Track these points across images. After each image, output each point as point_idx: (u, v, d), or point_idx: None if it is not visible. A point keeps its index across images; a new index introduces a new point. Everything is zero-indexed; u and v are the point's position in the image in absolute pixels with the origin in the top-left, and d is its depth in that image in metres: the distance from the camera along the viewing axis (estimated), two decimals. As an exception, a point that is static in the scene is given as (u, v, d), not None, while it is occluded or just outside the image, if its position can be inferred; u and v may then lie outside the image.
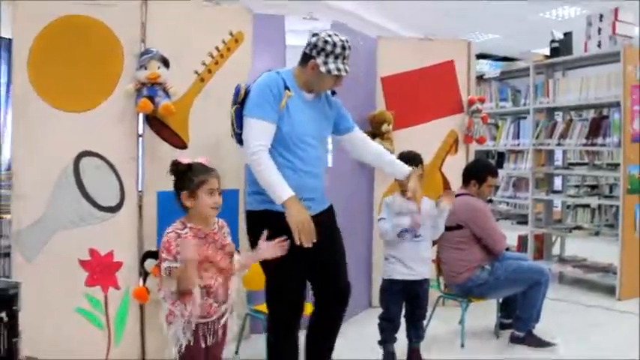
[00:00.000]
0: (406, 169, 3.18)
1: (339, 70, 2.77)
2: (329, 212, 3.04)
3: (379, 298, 3.62)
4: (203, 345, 2.39)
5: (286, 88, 2.81)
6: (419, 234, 3.48)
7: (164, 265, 2.32)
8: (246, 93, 2.85)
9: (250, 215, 2.93)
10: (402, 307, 3.56)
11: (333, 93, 3.02)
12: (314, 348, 3.09)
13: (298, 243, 2.65)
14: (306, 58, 2.84)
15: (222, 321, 2.50)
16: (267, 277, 2.93)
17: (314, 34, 2.83)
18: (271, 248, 2.59)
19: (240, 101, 2.87)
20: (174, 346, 2.37)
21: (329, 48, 2.76)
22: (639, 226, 5.24)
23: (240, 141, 2.88)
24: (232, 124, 2.91)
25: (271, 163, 2.72)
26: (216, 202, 2.42)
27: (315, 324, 3.06)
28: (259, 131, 2.75)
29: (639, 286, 5.26)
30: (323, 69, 2.76)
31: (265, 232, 2.65)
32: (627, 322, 4.61)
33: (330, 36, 2.77)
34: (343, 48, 2.77)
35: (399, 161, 3.21)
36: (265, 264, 2.85)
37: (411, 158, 3.45)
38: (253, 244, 2.85)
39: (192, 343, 2.35)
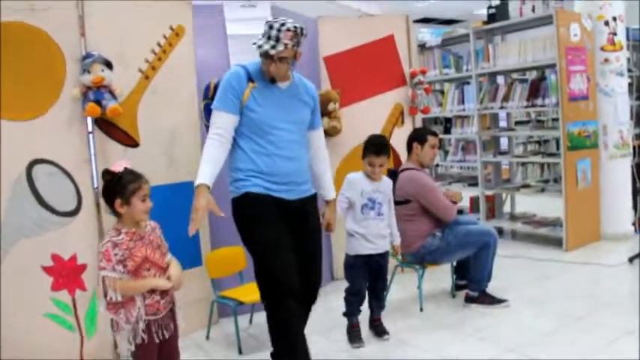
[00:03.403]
0: (329, 197, 3.29)
1: (259, 47, 2.83)
2: (309, 202, 3.10)
3: (344, 273, 3.73)
4: (157, 341, 2.48)
5: (250, 80, 2.92)
6: (382, 212, 3.64)
7: (102, 273, 2.39)
8: (217, 87, 3.02)
9: (233, 202, 3.00)
10: (367, 279, 3.69)
11: (273, 81, 2.95)
12: None
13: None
14: None
15: (173, 315, 2.59)
16: (255, 256, 2.96)
17: None
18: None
19: (210, 96, 3.11)
20: (127, 347, 2.44)
21: (266, 30, 2.85)
22: (581, 180, 5.53)
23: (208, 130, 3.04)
24: (203, 117, 3.21)
25: (213, 151, 2.86)
26: (148, 207, 2.49)
27: None
28: (218, 121, 2.92)
29: (583, 236, 5.60)
30: (257, 50, 2.87)
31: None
32: (572, 271, 4.90)
33: (273, 19, 2.86)
34: (270, 27, 2.82)
35: (329, 184, 3.30)
36: (251, 242, 2.96)
37: (379, 146, 3.59)
38: (240, 230, 2.97)
39: (146, 341, 2.43)
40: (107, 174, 2.50)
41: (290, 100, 3.02)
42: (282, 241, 2.92)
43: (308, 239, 3.09)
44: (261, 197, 2.91)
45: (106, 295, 2.40)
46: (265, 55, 2.86)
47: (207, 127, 3.08)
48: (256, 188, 2.91)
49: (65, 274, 3.38)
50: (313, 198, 3.15)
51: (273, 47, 2.81)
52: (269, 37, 2.82)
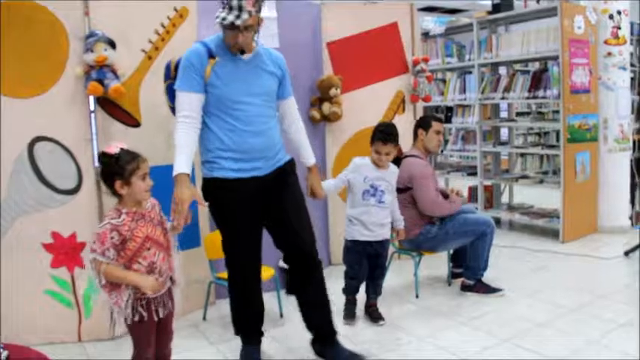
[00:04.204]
0: (309, 163, 3.24)
1: (224, 19, 2.71)
2: (285, 169, 3.06)
3: (343, 257, 3.78)
4: (156, 318, 2.50)
5: (211, 56, 2.84)
6: (383, 200, 3.65)
7: (91, 255, 2.38)
8: (177, 66, 2.95)
9: (203, 182, 3.01)
10: (364, 265, 3.72)
11: (242, 52, 2.87)
12: (306, 311, 3.20)
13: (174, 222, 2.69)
14: None
15: (171, 294, 2.60)
16: (222, 237, 3.04)
17: None
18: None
19: (172, 76, 3.02)
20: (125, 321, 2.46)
21: (225, 1, 2.74)
22: (580, 172, 5.55)
23: (174, 113, 2.97)
24: (167, 98, 3.14)
25: (185, 137, 2.81)
26: (149, 185, 2.48)
27: (294, 289, 3.19)
28: (183, 102, 2.85)
29: (580, 228, 5.64)
30: (216, 21, 2.76)
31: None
32: (568, 263, 4.94)
33: None
34: None
35: (307, 151, 3.24)
36: (217, 224, 3.03)
37: (387, 134, 3.60)
38: (210, 208, 2.98)
39: (146, 319, 2.45)
40: (104, 156, 2.47)
41: (254, 71, 2.93)
42: (244, 229, 2.96)
43: (289, 207, 3.05)
44: (229, 182, 2.89)
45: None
46: (231, 27, 2.74)
47: (172, 108, 3.02)
48: (225, 172, 2.89)
49: (64, 251, 3.41)
50: (289, 163, 3.10)
51: (238, 17, 2.70)
52: (231, 8, 2.71)
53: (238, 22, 2.72)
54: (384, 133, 3.59)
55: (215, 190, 2.93)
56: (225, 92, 2.85)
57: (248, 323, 3.17)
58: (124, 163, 2.42)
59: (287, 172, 3.08)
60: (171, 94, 3.03)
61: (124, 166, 2.42)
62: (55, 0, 3.33)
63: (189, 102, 2.84)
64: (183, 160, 2.78)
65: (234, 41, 2.80)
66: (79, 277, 3.47)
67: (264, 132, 2.94)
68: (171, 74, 3.07)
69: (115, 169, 2.42)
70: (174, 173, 2.76)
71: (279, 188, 3.02)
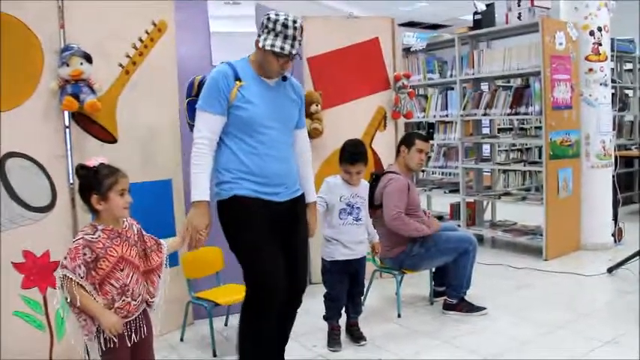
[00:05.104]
0: (310, 200, 3.15)
1: (272, 46, 2.71)
2: (299, 202, 3.02)
3: (322, 278, 3.71)
4: (129, 344, 2.37)
5: (237, 78, 2.80)
6: (360, 217, 3.60)
7: (60, 272, 2.27)
8: (201, 85, 2.92)
9: (220, 204, 2.88)
10: (345, 284, 3.65)
11: (284, 78, 2.92)
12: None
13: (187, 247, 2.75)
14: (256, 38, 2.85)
15: (146, 316, 2.50)
16: (241, 261, 2.88)
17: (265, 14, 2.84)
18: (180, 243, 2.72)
19: (194, 94, 2.99)
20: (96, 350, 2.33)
21: (270, 25, 2.73)
22: (563, 189, 5.54)
23: (192, 130, 2.94)
24: (186, 115, 3.08)
25: (205, 160, 2.77)
26: (127, 202, 2.39)
27: None
28: (205, 123, 2.80)
29: (563, 245, 5.63)
30: (260, 45, 2.75)
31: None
32: (551, 281, 4.90)
33: (276, 15, 2.74)
34: (285, 26, 2.71)
35: (311, 186, 3.17)
36: (237, 245, 2.87)
37: (355, 154, 3.53)
38: (227, 233, 2.87)
39: (117, 345, 2.32)
40: (82, 169, 2.38)
41: (281, 97, 2.92)
42: (269, 247, 2.85)
43: (296, 242, 3.01)
44: (250, 200, 2.81)
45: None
46: (282, 55, 2.74)
47: (190, 125, 2.98)
48: (245, 191, 2.81)
49: (36, 271, 3.29)
50: (303, 197, 3.06)
51: (292, 46, 2.74)
52: (285, 37, 2.72)
53: (293, 52, 2.75)
54: (351, 153, 3.55)
55: (235, 207, 2.82)
56: (252, 115, 2.80)
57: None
58: (101, 177, 2.34)
59: (301, 204, 3.05)
60: (190, 111, 3.00)
61: (102, 181, 2.33)
62: (30, 12, 3.25)
63: (211, 123, 2.80)
64: (205, 184, 2.76)
65: (277, 68, 2.81)
66: (52, 298, 3.35)
67: (286, 159, 2.92)
68: (192, 92, 3.03)
69: (92, 183, 2.34)
70: (195, 199, 2.75)
71: (294, 220, 2.99)
